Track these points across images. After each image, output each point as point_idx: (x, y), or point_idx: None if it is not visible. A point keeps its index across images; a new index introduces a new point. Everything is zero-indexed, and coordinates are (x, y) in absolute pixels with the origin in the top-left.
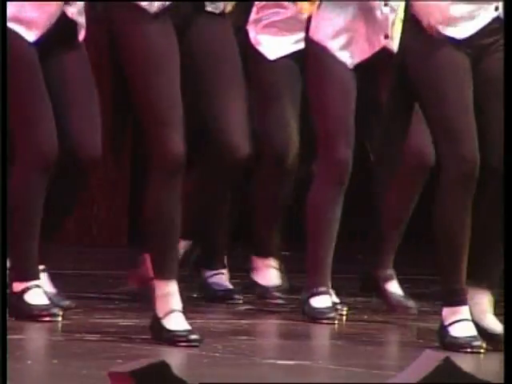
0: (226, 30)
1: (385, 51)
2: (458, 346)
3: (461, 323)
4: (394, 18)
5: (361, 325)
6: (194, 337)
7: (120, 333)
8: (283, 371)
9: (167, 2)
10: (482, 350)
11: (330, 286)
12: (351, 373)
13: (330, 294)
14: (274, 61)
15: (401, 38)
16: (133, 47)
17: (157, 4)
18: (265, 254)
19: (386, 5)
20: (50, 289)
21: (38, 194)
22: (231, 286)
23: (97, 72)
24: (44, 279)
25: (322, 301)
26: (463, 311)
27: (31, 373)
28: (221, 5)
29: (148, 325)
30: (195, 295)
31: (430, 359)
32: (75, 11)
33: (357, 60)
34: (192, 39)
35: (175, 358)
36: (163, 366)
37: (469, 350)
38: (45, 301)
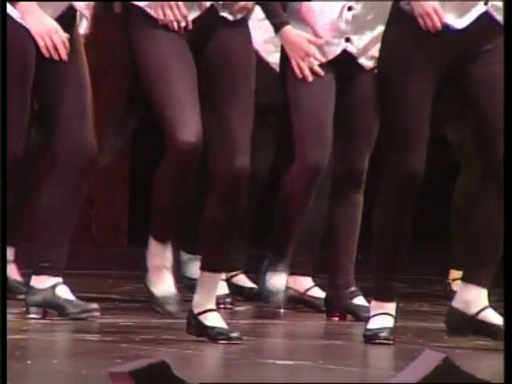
0: (242, 40)
1: (345, 56)
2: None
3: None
4: (358, 22)
5: (361, 325)
6: (171, 308)
7: (120, 333)
8: (283, 371)
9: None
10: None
11: (288, 268)
12: (351, 373)
13: (287, 274)
14: None
15: (383, 37)
16: (145, 53)
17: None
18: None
19: (349, 9)
20: (71, 297)
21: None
22: (227, 291)
23: (95, 72)
24: (64, 290)
25: (276, 280)
26: (389, 306)
27: (31, 373)
28: (236, 10)
29: (145, 324)
30: None
31: (429, 359)
32: (84, 5)
33: (323, 60)
34: (208, 52)
35: (175, 358)
36: (163, 366)
37: (377, 340)
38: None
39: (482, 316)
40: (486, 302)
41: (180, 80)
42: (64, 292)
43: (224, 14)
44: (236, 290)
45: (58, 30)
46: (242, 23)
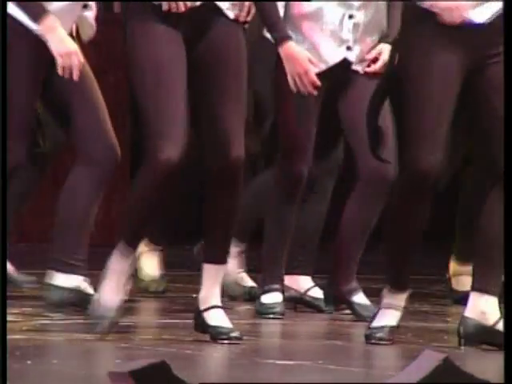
0: (236, 37)
1: (346, 64)
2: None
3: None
4: (359, 30)
5: (361, 325)
6: (108, 322)
7: (120, 333)
8: (283, 371)
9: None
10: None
11: (283, 283)
12: (351, 373)
13: (282, 291)
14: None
15: (401, 37)
16: (139, 55)
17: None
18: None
19: (350, 17)
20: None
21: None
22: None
23: (95, 72)
24: (86, 285)
25: (272, 297)
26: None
27: (31, 373)
28: (236, 9)
29: (145, 324)
30: (194, 296)
31: (429, 359)
32: (92, 16)
33: (316, 71)
34: (202, 48)
35: (175, 358)
36: (163, 366)
37: (372, 340)
38: None
39: (499, 326)
40: (499, 312)
41: (171, 90)
42: (91, 290)
43: (224, 8)
44: (236, 291)
45: (77, 52)
46: (239, 21)
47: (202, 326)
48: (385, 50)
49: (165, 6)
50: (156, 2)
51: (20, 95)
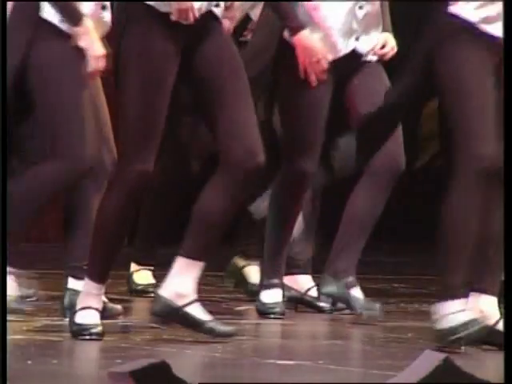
0: (230, 39)
1: (354, 54)
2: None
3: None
4: (366, 21)
5: (361, 325)
6: (95, 330)
7: (120, 333)
8: (283, 371)
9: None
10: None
11: (282, 278)
12: (351, 373)
13: (282, 288)
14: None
15: (427, 34)
16: (134, 62)
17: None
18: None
19: (360, 8)
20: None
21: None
22: None
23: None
24: None
25: (272, 295)
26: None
27: (31, 373)
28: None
29: (145, 324)
30: None
31: (430, 359)
32: (108, 15)
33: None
34: (201, 52)
35: (175, 358)
36: (163, 366)
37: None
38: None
39: (499, 326)
40: (498, 312)
41: (162, 104)
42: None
43: (218, 13)
44: (240, 283)
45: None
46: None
47: (181, 320)
48: (389, 37)
49: (174, 16)
50: (164, 11)
51: (78, 96)
